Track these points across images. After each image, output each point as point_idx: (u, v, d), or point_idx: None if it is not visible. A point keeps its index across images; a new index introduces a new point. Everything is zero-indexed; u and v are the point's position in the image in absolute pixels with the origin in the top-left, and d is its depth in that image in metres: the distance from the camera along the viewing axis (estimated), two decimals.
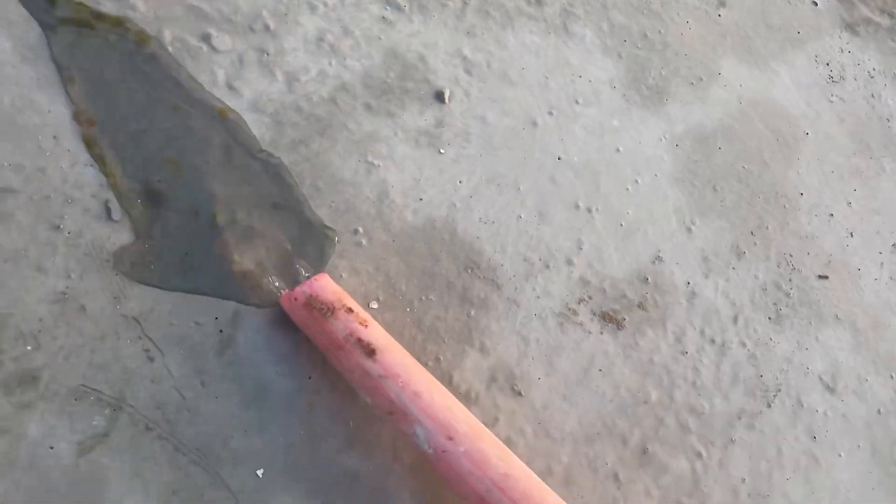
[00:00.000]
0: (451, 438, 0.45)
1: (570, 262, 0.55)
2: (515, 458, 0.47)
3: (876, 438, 0.57)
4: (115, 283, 0.47)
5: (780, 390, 0.56)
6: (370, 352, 0.46)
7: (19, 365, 0.45)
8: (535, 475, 0.46)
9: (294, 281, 0.50)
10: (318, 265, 0.51)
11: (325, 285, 0.48)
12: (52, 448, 0.44)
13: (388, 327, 0.51)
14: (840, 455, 0.56)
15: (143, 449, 0.45)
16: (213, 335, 0.48)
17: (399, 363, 0.47)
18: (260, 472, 0.46)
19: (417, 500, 0.48)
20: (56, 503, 0.44)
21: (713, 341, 0.56)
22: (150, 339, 0.47)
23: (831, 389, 0.57)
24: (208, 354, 0.48)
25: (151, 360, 0.47)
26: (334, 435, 0.48)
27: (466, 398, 0.51)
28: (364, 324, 0.47)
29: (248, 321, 0.48)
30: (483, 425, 0.47)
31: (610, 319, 0.55)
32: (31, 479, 0.44)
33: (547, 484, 0.46)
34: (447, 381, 0.51)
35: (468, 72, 0.58)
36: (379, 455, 0.48)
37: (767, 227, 0.61)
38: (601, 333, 0.54)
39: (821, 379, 0.57)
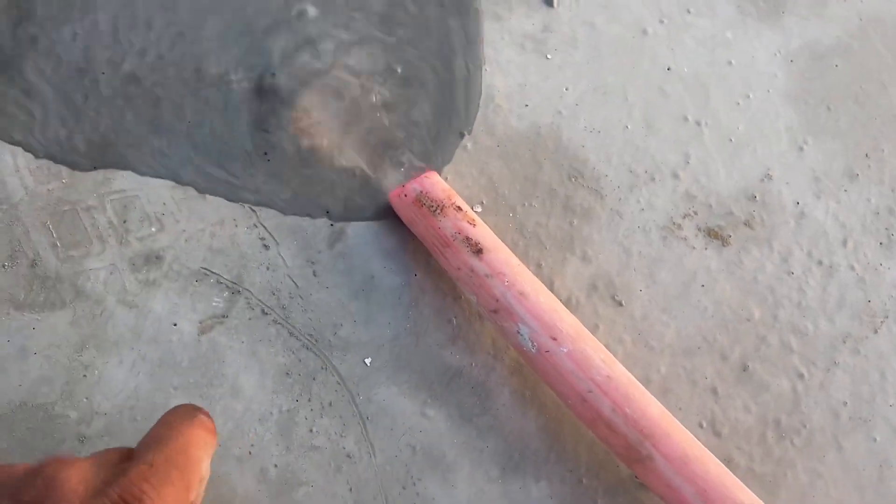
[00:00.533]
0: (554, 339, 0.46)
1: (676, 176, 0.54)
2: (618, 362, 0.47)
3: None
4: None
5: (887, 317, 0.54)
6: (477, 250, 0.46)
7: (145, 245, 0.47)
8: (636, 380, 0.46)
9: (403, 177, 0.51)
10: (438, 158, 0.51)
11: (436, 182, 0.48)
12: (175, 325, 0.46)
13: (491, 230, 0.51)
14: None
15: (259, 331, 0.47)
16: (324, 228, 0.49)
17: (505, 263, 0.47)
18: (368, 361, 0.48)
19: (517, 399, 0.49)
20: (178, 376, 0.46)
21: (820, 263, 0.54)
22: (265, 227, 0.48)
23: None
24: (320, 246, 0.49)
25: (266, 248, 0.48)
26: (438, 331, 0.49)
27: (567, 305, 0.51)
28: (472, 223, 0.47)
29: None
30: (586, 329, 0.47)
31: (715, 236, 0.53)
32: (156, 352, 0.46)
33: None
34: (548, 286, 0.51)
35: None
36: (481, 354, 0.49)
37: (883, 151, 0.57)
38: (705, 249, 0.53)
39: None
